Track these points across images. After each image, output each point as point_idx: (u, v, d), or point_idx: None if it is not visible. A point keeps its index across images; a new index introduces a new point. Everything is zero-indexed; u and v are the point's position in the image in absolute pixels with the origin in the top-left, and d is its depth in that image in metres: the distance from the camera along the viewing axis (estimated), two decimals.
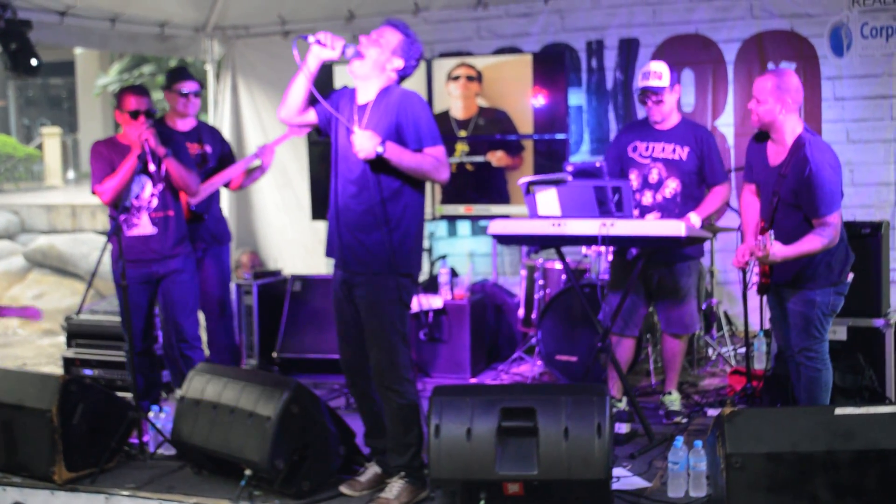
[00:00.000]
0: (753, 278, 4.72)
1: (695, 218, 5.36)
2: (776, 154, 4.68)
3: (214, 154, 6.32)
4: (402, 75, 4.48)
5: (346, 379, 4.76)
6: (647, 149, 5.54)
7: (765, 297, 4.82)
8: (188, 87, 6.14)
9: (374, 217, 4.38)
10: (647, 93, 5.46)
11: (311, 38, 4.33)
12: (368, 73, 4.41)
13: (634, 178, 5.54)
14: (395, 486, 4.49)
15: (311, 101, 4.48)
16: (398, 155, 4.29)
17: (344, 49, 4.33)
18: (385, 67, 4.40)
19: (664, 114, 5.48)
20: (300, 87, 4.41)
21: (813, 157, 4.47)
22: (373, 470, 4.71)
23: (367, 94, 4.45)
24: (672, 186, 5.47)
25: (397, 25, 4.44)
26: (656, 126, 5.55)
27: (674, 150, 5.48)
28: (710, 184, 5.51)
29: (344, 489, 4.64)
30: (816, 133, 4.70)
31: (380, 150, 4.24)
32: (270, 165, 6.38)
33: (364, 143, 4.25)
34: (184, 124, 6.21)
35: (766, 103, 4.59)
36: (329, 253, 4.60)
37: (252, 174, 6.45)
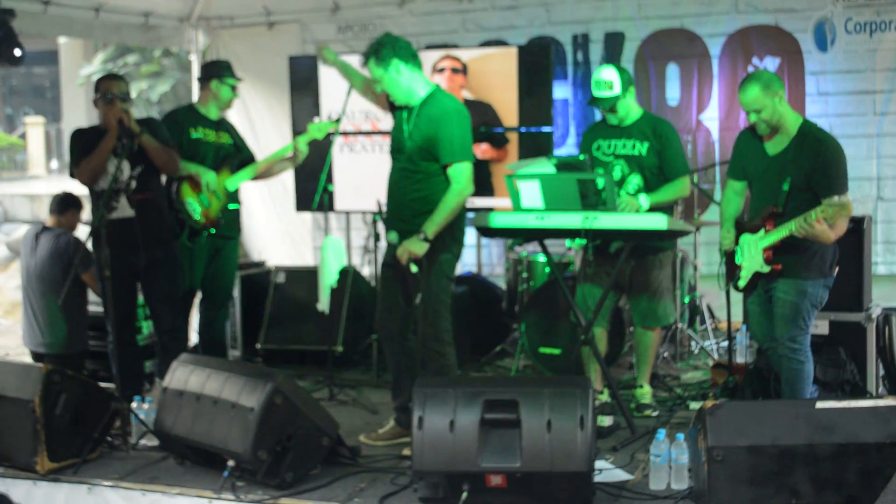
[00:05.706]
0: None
1: (644, 200, 5.35)
2: (777, 143, 4.74)
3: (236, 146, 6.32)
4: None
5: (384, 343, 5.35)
6: (609, 146, 5.55)
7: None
8: None
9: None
10: (597, 101, 5.49)
11: None
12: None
13: None
14: None
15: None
16: (439, 226, 4.91)
17: None
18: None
19: (620, 117, 5.51)
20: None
21: (827, 140, 4.64)
22: (390, 424, 5.21)
23: None
24: (634, 182, 5.46)
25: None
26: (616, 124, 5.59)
27: (633, 146, 5.49)
28: (668, 178, 5.47)
29: (363, 438, 5.15)
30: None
31: (425, 246, 4.91)
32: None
33: (414, 252, 4.91)
34: (217, 115, 6.21)
35: (764, 108, 4.64)
36: None
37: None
